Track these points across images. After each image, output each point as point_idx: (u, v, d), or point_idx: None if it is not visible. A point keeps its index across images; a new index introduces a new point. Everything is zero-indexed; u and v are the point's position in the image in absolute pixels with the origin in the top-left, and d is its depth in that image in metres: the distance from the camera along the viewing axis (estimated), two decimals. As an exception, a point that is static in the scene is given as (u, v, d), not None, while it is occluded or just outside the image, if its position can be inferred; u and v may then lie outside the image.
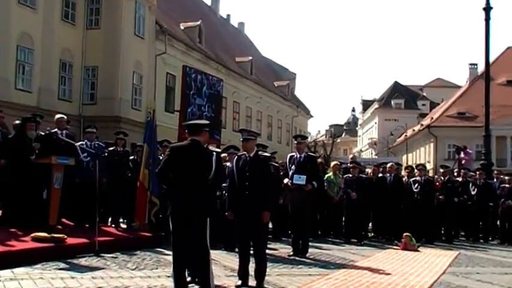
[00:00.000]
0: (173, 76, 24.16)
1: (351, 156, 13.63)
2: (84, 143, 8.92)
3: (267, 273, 5.66)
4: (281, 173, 9.30)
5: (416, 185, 11.05)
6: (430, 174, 21.96)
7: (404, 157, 42.42)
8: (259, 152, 6.22)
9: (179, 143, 5.31)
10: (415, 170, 11.67)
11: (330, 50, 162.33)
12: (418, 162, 28.11)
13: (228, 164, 6.96)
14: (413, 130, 46.80)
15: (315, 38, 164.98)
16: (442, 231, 11.76)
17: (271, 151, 11.33)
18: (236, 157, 6.16)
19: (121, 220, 9.83)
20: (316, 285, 5.62)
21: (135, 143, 10.69)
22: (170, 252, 5.84)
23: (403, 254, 8.66)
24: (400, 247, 9.39)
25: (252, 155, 5.97)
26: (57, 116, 8.82)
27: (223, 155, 7.30)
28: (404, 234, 9.51)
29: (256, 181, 5.73)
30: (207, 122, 5.49)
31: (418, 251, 9.22)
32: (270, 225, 10.13)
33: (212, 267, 4.93)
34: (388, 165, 11.59)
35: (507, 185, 11.68)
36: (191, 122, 5.32)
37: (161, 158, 9.54)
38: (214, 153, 5.03)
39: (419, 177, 11.16)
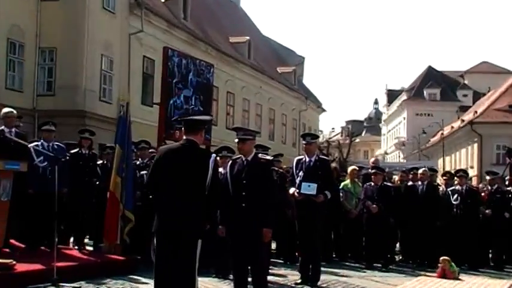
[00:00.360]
0: (152, 60, 24.16)
1: (372, 159, 13.61)
2: (39, 143, 8.90)
3: (269, 307, 5.67)
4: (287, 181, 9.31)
5: (455, 196, 11.04)
6: (474, 182, 21.96)
7: (440, 161, 42.48)
8: (259, 155, 6.23)
9: (170, 144, 5.36)
10: (455, 178, 11.66)
11: (346, 28, 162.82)
12: (458, 168, 28.13)
13: (221, 169, 6.96)
14: (452, 127, 46.86)
15: (328, 13, 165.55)
16: (490, 255, 11.74)
17: (274, 153, 11.32)
18: (230, 161, 6.18)
19: (86, 240, 9.81)
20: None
21: (104, 144, 10.71)
22: (147, 280, 5.82)
23: (440, 283, 8.64)
24: (437, 274, 9.39)
25: (249, 158, 6.00)
26: (5, 110, 8.79)
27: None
28: (442, 258, 9.49)
29: (255, 190, 5.75)
30: (209, 117, 5.51)
31: (460, 279, 9.21)
32: (273, 246, 10.13)
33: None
34: (420, 171, 11.58)
35: None
36: (190, 117, 5.41)
37: (137, 163, 9.61)
38: (213, 155, 5.06)
39: (460, 187, 11.14)
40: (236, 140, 6.02)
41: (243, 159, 6.03)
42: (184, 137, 5.05)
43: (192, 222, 4.77)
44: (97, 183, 9.50)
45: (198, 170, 4.87)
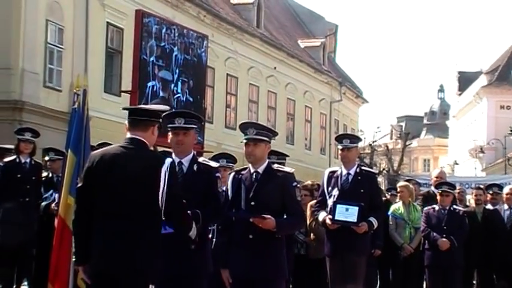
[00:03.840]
0: (119, 30, 24.17)
1: (436, 171, 13.57)
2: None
3: None
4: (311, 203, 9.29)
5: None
6: None
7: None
8: (274, 166, 6.21)
9: (107, 147, 5.44)
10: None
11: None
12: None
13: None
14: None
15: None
16: None
17: (295, 162, 11.32)
18: (232, 174, 6.17)
19: (24, 287, 9.82)
20: None
21: (50, 148, 10.71)
22: None
23: None
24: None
25: (261, 170, 5.99)
26: None
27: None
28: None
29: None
30: (166, 107, 5.54)
31: None
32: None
33: None
34: (506, 189, 11.57)
35: None
36: (135, 106, 5.55)
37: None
38: (168, 159, 5.07)
39: None
40: (244, 141, 6.00)
41: (252, 171, 6.02)
42: (128, 135, 5.12)
43: (139, 262, 4.85)
44: (43, 204, 9.55)
45: (146, 183, 4.94)
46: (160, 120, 5.33)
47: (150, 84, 12.81)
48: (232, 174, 6.20)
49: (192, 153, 6.09)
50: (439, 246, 10.06)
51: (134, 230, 4.87)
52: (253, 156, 6.00)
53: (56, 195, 9.58)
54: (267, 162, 6.11)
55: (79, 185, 5.25)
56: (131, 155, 5.01)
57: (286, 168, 6.31)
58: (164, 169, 4.96)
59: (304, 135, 38.66)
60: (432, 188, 11.66)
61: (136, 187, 4.93)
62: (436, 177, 12.04)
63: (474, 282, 11.75)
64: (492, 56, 77.90)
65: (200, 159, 6.18)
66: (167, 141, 5.86)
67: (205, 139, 14.62)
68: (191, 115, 6.17)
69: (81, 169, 8.57)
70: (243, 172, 6.11)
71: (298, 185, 6.94)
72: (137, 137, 5.07)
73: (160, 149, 7.55)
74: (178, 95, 13.54)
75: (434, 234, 10.18)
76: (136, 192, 4.92)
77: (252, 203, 5.95)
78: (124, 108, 5.46)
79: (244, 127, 6.10)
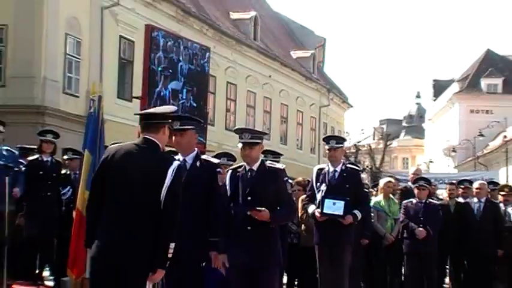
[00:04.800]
0: (130, 42, 24.16)
1: (413, 169, 13.60)
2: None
3: None
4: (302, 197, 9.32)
5: (521, 217, 11.02)
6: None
7: (502, 171, 42.23)
8: (267, 163, 6.25)
9: (122, 143, 5.35)
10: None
11: (378, 1, 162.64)
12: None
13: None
14: (518, 128, 46.55)
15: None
16: None
17: (288, 160, 11.33)
18: (231, 171, 6.19)
19: (46, 273, 9.82)
20: None
21: (68, 148, 10.74)
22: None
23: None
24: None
25: (255, 167, 6.01)
26: None
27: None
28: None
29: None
30: (173, 108, 5.54)
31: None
32: (284, 280, 10.12)
33: None
34: (476, 184, 11.55)
35: None
36: (147, 111, 5.48)
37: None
38: (176, 162, 5.02)
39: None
40: (240, 145, 6.05)
41: (247, 168, 6.06)
42: (141, 136, 5.06)
43: (139, 254, 4.74)
44: (64, 198, 9.63)
45: (153, 180, 4.83)
46: (170, 120, 5.27)
47: (156, 90, 12.85)
48: (230, 171, 6.23)
49: (196, 151, 6.09)
50: (417, 235, 10.05)
51: (137, 223, 4.77)
52: (249, 158, 6.06)
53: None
54: (260, 160, 6.15)
55: (94, 174, 5.22)
56: (143, 153, 4.94)
57: (278, 165, 6.35)
58: (171, 169, 4.86)
59: (296, 137, 38.75)
60: (409, 183, 11.68)
61: (142, 184, 4.83)
62: (413, 174, 12.08)
63: (447, 267, 11.80)
64: (463, 65, 78.25)
65: (203, 157, 6.21)
66: (172, 142, 5.88)
67: (207, 140, 14.62)
68: (186, 118, 6.22)
69: (96, 167, 8.63)
70: (239, 169, 6.15)
71: (290, 180, 6.99)
72: (150, 137, 5.00)
73: (166, 148, 7.57)
74: (183, 101, 13.56)
75: (412, 224, 10.17)
76: (141, 189, 4.82)
77: (249, 198, 5.97)
78: (136, 114, 5.44)
79: (240, 132, 6.16)
